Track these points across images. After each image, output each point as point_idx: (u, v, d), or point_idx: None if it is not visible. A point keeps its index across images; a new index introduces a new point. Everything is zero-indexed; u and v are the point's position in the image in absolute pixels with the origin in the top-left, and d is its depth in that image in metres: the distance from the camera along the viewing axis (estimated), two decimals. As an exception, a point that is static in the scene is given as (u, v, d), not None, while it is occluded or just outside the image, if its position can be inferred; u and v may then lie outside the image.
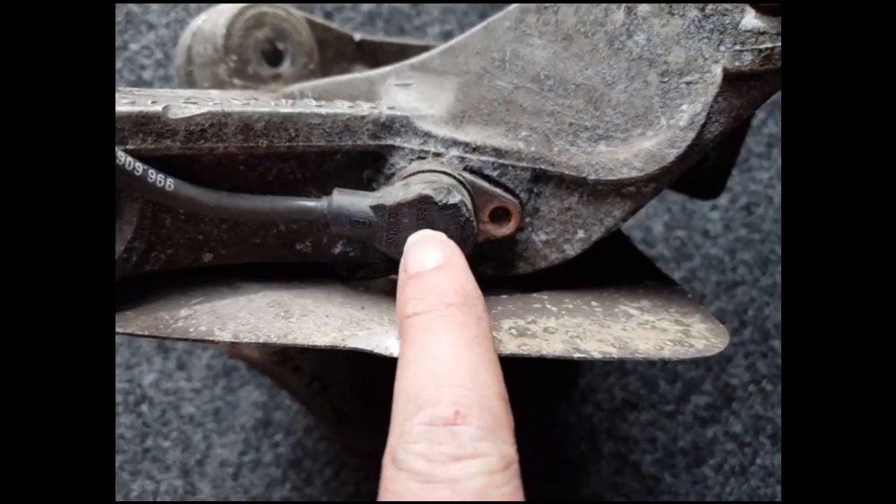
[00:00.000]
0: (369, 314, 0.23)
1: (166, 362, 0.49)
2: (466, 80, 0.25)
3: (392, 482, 0.17)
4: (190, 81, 0.33)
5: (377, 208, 0.22)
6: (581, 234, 0.25)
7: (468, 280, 0.21)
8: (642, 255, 0.33)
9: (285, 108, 0.23)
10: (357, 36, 0.37)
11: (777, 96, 0.24)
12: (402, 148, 0.25)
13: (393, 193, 0.23)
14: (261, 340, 0.20)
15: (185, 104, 0.22)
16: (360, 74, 0.28)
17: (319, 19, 0.34)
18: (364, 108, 0.24)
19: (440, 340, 0.19)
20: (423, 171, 0.24)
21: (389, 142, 0.25)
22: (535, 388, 0.37)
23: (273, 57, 0.33)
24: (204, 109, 0.22)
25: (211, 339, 0.21)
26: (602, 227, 0.25)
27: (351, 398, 0.31)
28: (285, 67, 0.34)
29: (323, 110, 0.23)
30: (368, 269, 0.27)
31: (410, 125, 0.25)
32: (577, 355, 0.21)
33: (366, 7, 0.51)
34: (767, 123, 0.51)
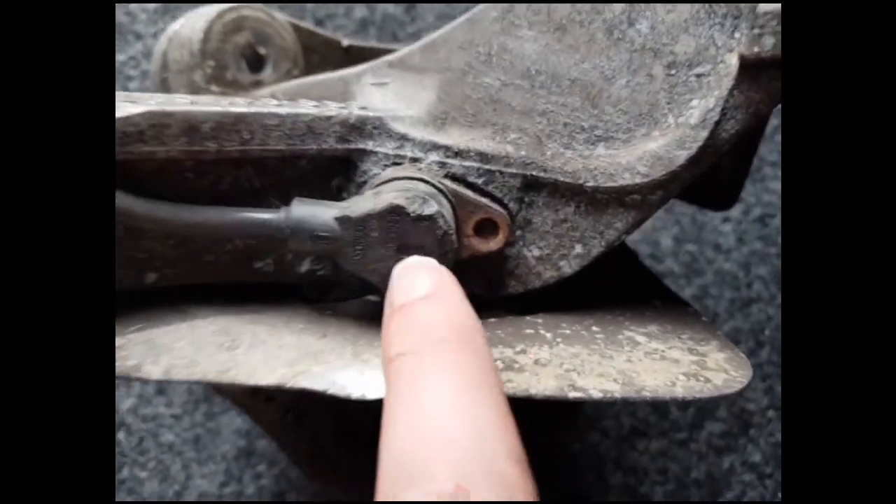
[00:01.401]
0: (330, 343, 0.20)
1: (145, 386, 0.47)
2: (449, 78, 0.23)
3: None
4: (165, 89, 0.31)
5: (342, 220, 0.20)
6: (579, 248, 0.23)
7: (463, 309, 0.18)
8: (649, 271, 0.31)
9: (239, 107, 0.20)
10: (345, 41, 0.35)
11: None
12: (375, 152, 0.22)
13: (361, 203, 0.20)
14: (195, 378, 0.18)
15: (122, 103, 0.19)
16: (334, 74, 0.26)
17: (305, 24, 0.33)
18: (331, 108, 0.22)
19: (429, 387, 0.16)
20: (397, 179, 0.21)
21: (360, 145, 0.22)
22: (532, 416, 0.33)
23: (255, 62, 0.31)
24: (142, 108, 0.19)
25: (139, 376, 0.18)
26: (602, 240, 0.22)
27: (327, 433, 0.28)
28: (267, 73, 0.32)
29: (282, 110, 0.21)
30: (341, 289, 0.24)
31: (384, 127, 0.22)
32: (572, 395, 0.18)
33: (358, 14, 0.49)
34: (781, 130, 0.49)
